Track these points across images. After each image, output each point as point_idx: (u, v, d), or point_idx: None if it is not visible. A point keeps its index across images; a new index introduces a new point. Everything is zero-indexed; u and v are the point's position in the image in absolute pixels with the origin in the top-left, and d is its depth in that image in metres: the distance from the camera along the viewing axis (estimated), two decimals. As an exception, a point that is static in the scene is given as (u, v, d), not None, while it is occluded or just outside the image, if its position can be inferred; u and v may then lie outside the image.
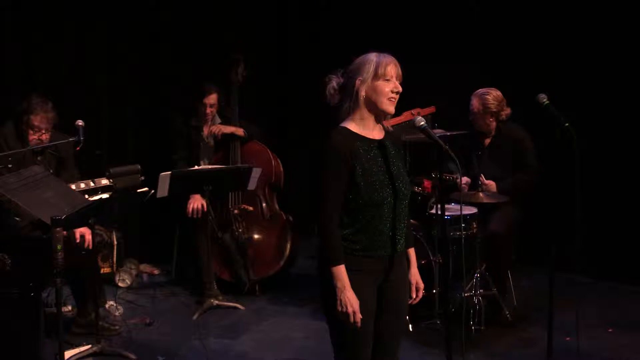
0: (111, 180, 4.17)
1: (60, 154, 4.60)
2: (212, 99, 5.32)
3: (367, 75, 2.68)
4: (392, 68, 2.68)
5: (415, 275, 2.90)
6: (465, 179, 4.60)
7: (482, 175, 4.58)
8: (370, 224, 2.68)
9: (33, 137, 4.40)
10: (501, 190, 4.53)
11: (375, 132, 2.76)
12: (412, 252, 2.93)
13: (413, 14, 6.06)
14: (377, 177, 2.68)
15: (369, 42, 2.98)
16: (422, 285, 2.92)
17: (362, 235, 2.69)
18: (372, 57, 2.71)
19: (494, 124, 4.68)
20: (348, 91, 2.73)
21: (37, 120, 4.37)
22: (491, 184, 4.57)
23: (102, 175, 4.19)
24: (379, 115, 2.74)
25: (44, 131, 4.41)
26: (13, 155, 4.29)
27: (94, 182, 4.16)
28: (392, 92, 2.68)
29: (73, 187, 4.16)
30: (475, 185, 4.55)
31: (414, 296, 2.90)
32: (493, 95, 4.63)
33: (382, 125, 2.79)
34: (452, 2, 5.94)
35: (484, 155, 4.75)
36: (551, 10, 5.49)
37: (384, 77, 2.67)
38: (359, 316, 2.63)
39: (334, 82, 2.78)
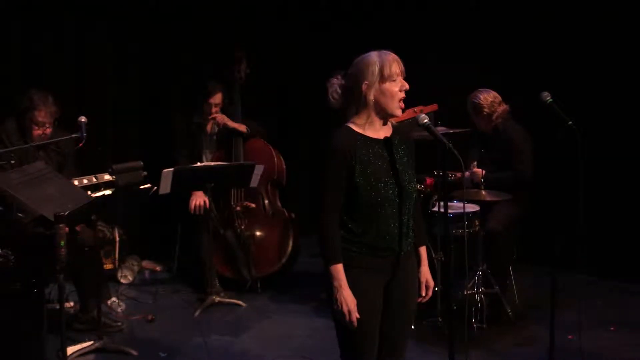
0: (113, 177, 4.17)
1: (62, 151, 4.61)
2: (218, 98, 5.32)
3: (373, 78, 2.64)
4: (396, 66, 2.66)
5: (425, 273, 2.90)
6: (467, 173, 4.60)
7: (474, 162, 4.58)
8: (375, 223, 2.68)
9: (37, 132, 4.45)
10: (485, 179, 4.53)
11: (381, 132, 2.74)
12: (423, 250, 2.92)
13: (414, 12, 6.05)
14: (378, 176, 2.67)
15: (371, 40, 2.97)
16: (432, 284, 2.92)
17: (367, 235, 2.69)
18: (374, 58, 2.67)
19: (488, 124, 4.69)
20: (354, 96, 2.70)
21: (41, 116, 4.42)
22: (478, 172, 4.57)
23: (104, 172, 4.19)
24: (387, 117, 2.73)
25: (47, 125, 4.46)
26: (16, 151, 4.31)
27: (96, 178, 4.17)
28: (401, 91, 2.67)
29: (76, 182, 4.17)
30: (477, 184, 4.55)
31: (424, 294, 2.89)
32: (483, 96, 4.65)
33: (391, 123, 2.78)
34: (452, 1, 5.94)
35: (484, 153, 4.75)
36: (552, 8, 5.49)
37: (390, 79, 2.65)
38: (354, 315, 2.63)
39: (336, 86, 2.76)
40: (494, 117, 4.66)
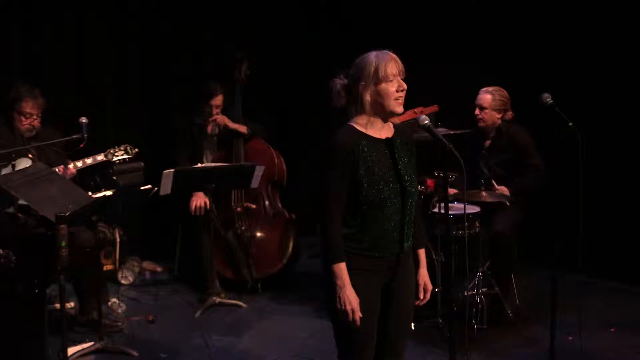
0: (114, 177, 4.21)
1: (61, 152, 4.62)
2: (219, 100, 5.32)
3: (369, 79, 2.65)
4: (392, 67, 2.65)
5: (424, 276, 2.89)
6: (452, 190, 4.59)
7: (494, 180, 4.59)
8: (375, 223, 2.68)
9: (25, 122, 4.47)
10: (513, 192, 4.54)
11: (383, 132, 2.74)
12: (422, 252, 2.92)
13: (414, 13, 6.05)
14: (381, 176, 2.67)
15: (371, 41, 2.97)
16: (430, 287, 2.91)
17: (367, 235, 2.68)
18: (371, 58, 2.67)
19: (498, 122, 4.70)
20: (353, 96, 2.71)
21: (28, 107, 4.46)
22: (503, 189, 4.57)
23: (104, 175, 4.21)
24: (387, 116, 2.73)
25: (35, 117, 4.49)
26: (16, 152, 4.34)
27: (90, 159, 4.23)
28: (398, 91, 2.66)
29: (70, 165, 4.22)
30: (477, 184, 4.55)
31: (422, 297, 2.89)
32: (502, 92, 4.68)
33: (392, 123, 2.78)
34: (453, 2, 5.94)
35: (485, 155, 4.76)
36: (552, 9, 5.49)
37: (386, 79, 2.64)
38: (358, 315, 2.63)
39: (339, 85, 2.76)
40: (506, 115, 4.68)
